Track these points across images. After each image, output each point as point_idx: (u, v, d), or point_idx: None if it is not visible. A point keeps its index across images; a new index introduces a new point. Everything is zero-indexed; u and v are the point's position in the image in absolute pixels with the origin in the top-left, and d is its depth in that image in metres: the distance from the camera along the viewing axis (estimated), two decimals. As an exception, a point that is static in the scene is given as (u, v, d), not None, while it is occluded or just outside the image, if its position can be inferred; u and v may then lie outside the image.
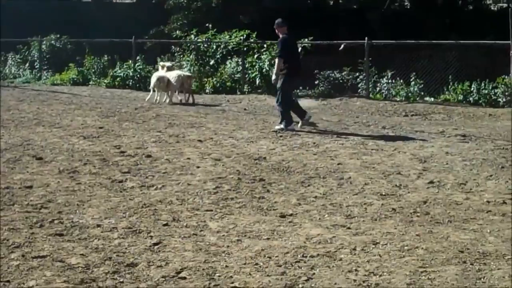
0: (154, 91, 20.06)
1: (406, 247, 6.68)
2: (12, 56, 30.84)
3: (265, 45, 23.01)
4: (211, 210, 8.01)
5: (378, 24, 31.66)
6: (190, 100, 19.90)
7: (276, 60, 15.39)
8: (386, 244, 6.78)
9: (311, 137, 13.42)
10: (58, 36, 29.96)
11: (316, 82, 21.91)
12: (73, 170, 10.16)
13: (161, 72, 20.35)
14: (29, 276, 5.87)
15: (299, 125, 14.62)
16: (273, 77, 15.32)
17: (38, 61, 29.53)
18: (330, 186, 9.31)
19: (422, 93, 20.25)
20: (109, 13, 48.07)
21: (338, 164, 10.79)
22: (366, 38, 21.34)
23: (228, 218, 7.71)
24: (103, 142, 12.62)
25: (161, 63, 21.47)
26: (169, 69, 20.35)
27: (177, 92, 20.08)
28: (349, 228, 7.35)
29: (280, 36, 14.88)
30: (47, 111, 17.11)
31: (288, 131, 14.10)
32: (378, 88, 21.30)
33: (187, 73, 19.92)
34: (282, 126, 14.37)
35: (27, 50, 30.51)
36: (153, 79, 19.93)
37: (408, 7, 40.18)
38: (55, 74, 28.00)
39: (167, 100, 19.68)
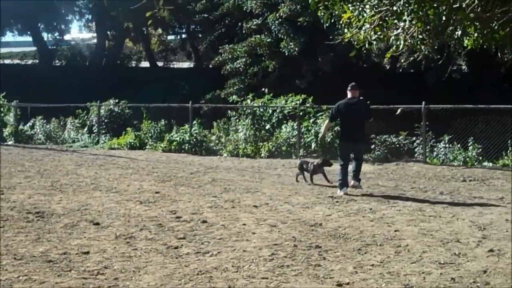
0: None
1: (466, 319, 6.52)
2: (71, 121, 31.40)
3: (321, 110, 23.10)
4: (267, 278, 7.91)
5: (435, 88, 31.51)
6: None
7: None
8: (446, 316, 6.62)
9: (367, 203, 13.29)
10: (117, 101, 30.46)
11: (373, 146, 21.86)
12: (129, 235, 10.17)
13: None
14: None
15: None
16: (320, 134, 18.89)
17: (96, 125, 30.00)
18: (387, 254, 9.15)
19: (480, 158, 20.04)
20: (166, 77, 49.16)
21: (395, 231, 10.62)
22: (423, 102, 21.27)
23: (284, 286, 7.61)
24: (159, 207, 12.65)
25: None
26: None
27: None
28: (407, 298, 7.20)
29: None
30: (105, 176, 17.28)
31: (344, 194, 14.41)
32: (435, 153, 21.17)
33: None
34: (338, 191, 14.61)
35: (86, 115, 31.05)
36: None
37: (466, 71, 40.04)
38: (113, 138, 28.39)
39: None
